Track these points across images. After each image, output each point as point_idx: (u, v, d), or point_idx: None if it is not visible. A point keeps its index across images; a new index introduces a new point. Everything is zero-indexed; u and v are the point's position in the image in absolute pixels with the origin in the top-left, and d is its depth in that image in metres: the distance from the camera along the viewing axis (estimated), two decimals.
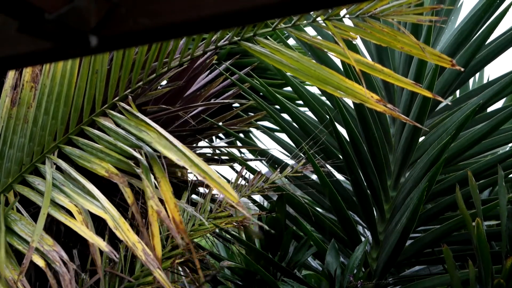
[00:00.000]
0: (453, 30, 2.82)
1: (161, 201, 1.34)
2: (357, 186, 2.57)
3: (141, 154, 1.44)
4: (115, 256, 1.35)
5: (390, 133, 2.74)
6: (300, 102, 3.37)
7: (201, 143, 2.83)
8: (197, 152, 2.70)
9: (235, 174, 2.31)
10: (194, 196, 2.71)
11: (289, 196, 2.53)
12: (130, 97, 1.56)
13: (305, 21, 1.55)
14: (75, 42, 0.59)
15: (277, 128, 3.35)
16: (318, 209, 2.82)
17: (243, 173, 2.31)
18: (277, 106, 3.12)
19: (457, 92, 3.19)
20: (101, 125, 1.55)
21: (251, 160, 2.90)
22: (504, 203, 2.18)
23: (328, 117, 2.56)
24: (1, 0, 0.53)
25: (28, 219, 1.51)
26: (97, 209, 1.41)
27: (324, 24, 1.47)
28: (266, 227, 2.33)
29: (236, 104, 3.22)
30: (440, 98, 1.46)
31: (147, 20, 0.58)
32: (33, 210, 1.87)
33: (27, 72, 1.63)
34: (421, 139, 2.71)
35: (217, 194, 2.30)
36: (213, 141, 3.39)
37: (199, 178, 1.32)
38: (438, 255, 2.53)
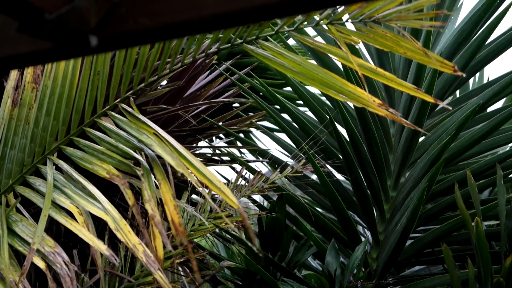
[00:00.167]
0: (453, 30, 2.82)
1: (161, 201, 1.34)
2: (357, 186, 2.57)
3: (142, 156, 1.44)
4: (116, 260, 1.35)
5: (390, 133, 2.74)
6: (300, 102, 3.37)
7: (201, 143, 2.83)
8: (197, 152, 2.70)
9: (235, 174, 2.31)
10: (194, 196, 2.71)
11: (289, 196, 2.53)
12: (131, 98, 1.56)
13: (307, 24, 1.55)
14: (75, 42, 0.59)
15: (277, 128, 3.35)
16: (318, 209, 2.82)
17: (243, 173, 2.32)
18: (277, 106, 3.12)
19: (457, 92, 3.19)
20: (103, 126, 1.55)
21: (251, 160, 2.90)
22: (503, 202, 2.18)
23: (328, 117, 2.56)
24: (1, 0, 0.53)
25: (29, 220, 1.51)
26: (98, 210, 1.41)
27: (327, 28, 1.47)
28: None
29: (236, 104, 3.22)
30: (439, 102, 1.46)
31: (147, 20, 0.58)
32: (33, 210, 1.87)
33: (29, 73, 1.63)
34: (421, 139, 2.71)
35: (217, 195, 2.29)
36: (213, 141, 3.38)
37: (198, 184, 1.32)
38: (438, 255, 2.53)
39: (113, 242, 1.88)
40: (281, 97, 2.81)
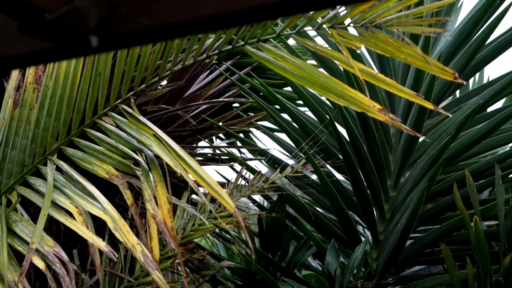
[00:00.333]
0: (453, 30, 2.82)
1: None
2: (357, 186, 2.57)
3: (141, 157, 1.44)
4: (115, 256, 1.35)
5: (390, 133, 2.74)
6: (300, 102, 3.37)
7: (201, 143, 2.83)
8: (197, 152, 2.70)
9: (235, 174, 2.31)
10: (194, 196, 2.71)
11: (289, 196, 2.52)
12: (132, 99, 1.56)
13: (309, 28, 1.55)
14: (75, 42, 0.59)
15: (277, 128, 3.35)
16: (318, 209, 2.82)
17: (243, 173, 2.31)
18: (277, 106, 3.12)
19: (457, 92, 3.19)
20: (103, 127, 1.55)
21: (251, 160, 2.90)
22: (501, 202, 2.18)
23: (328, 117, 2.56)
24: (1, 0, 0.53)
25: (29, 221, 1.52)
26: (97, 210, 1.42)
27: (329, 32, 1.47)
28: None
29: (236, 104, 3.22)
30: (438, 108, 1.47)
31: (147, 20, 0.58)
32: (33, 210, 1.87)
33: (30, 73, 1.63)
34: (421, 139, 2.71)
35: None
36: (213, 141, 3.39)
37: (195, 186, 1.33)
38: (438, 255, 2.53)
39: (113, 243, 1.88)
40: (281, 97, 2.81)
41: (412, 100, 1.49)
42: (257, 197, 2.74)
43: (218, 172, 2.85)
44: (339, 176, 2.80)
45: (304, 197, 2.84)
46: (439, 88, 2.71)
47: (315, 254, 2.57)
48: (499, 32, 2.77)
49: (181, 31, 0.59)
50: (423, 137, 2.68)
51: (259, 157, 2.88)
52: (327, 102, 2.94)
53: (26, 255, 1.37)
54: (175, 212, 2.12)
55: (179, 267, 2.14)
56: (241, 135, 3.45)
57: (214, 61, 2.60)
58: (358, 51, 2.65)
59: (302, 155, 2.48)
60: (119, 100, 1.59)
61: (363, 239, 2.58)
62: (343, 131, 2.57)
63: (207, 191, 1.36)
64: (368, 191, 2.59)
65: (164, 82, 2.36)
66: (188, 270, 2.17)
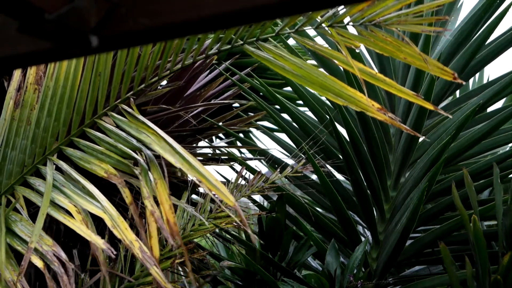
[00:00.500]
0: (453, 30, 2.82)
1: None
2: (357, 186, 2.57)
3: (141, 156, 1.44)
4: (113, 253, 1.35)
5: (390, 133, 2.74)
6: (300, 102, 3.37)
7: (201, 143, 2.83)
8: (197, 152, 2.70)
9: (235, 174, 2.31)
10: (194, 196, 2.71)
11: (289, 196, 2.52)
12: (132, 99, 1.56)
13: (309, 27, 1.55)
14: (75, 42, 0.59)
15: (277, 128, 3.35)
16: (318, 209, 2.82)
17: (243, 173, 2.31)
18: (277, 106, 3.12)
19: (457, 92, 3.19)
20: (103, 127, 1.55)
21: (251, 160, 2.90)
22: (500, 201, 2.18)
23: (328, 117, 2.56)
24: (1, 0, 0.53)
25: (28, 220, 1.52)
26: (96, 209, 1.42)
27: (328, 31, 1.47)
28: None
29: (236, 104, 3.22)
30: (438, 109, 1.47)
31: (147, 20, 0.58)
32: (32, 210, 1.87)
33: (31, 74, 1.63)
34: (421, 139, 2.71)
35: (217, 195, 2.29)
36: (213, 141, 3.38)
37: (196, 181, 1.32)
38: (438, 255, 2.53)
39: (113, 243, 1.88)
40: (281, 97, 2.81)
41: (412, 101, 1.49)
42: (257, 197, 2.74)
43: (218, 172, 2.85)
44: (339, 176, 2.80)
45: (304, 197, 2.84)
46: (439, 88, 2.71)
47: (315, 254, 2.57)
48: (499, 32, 2.77)
49: (181, 31, 0.59)
50: (423, 137, 2.68)
51: (259, 157, 2.88)
52: (327, 102, 2.94)
53: (25, 255, 1.37)
54: (175, 212, 2.12)
55: (179, 267, 2.14)
56: (241, 135, 3.45)
57: (214, 61, 2.60)
58: (358, 51, 2.65)
59: (302, 155, 2.48)
60: (119, 100, 1.59)
61: (363, 239, 2.58)
62: (343, 131, 2.57)
63: (207, 191, 1.36)
64: (368, 191, 2.59)
65: (164, 82, 2.36)
66: (188, 270, 2.16)
